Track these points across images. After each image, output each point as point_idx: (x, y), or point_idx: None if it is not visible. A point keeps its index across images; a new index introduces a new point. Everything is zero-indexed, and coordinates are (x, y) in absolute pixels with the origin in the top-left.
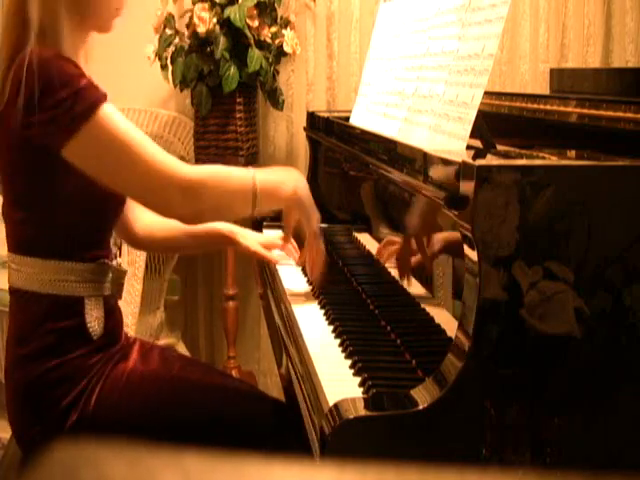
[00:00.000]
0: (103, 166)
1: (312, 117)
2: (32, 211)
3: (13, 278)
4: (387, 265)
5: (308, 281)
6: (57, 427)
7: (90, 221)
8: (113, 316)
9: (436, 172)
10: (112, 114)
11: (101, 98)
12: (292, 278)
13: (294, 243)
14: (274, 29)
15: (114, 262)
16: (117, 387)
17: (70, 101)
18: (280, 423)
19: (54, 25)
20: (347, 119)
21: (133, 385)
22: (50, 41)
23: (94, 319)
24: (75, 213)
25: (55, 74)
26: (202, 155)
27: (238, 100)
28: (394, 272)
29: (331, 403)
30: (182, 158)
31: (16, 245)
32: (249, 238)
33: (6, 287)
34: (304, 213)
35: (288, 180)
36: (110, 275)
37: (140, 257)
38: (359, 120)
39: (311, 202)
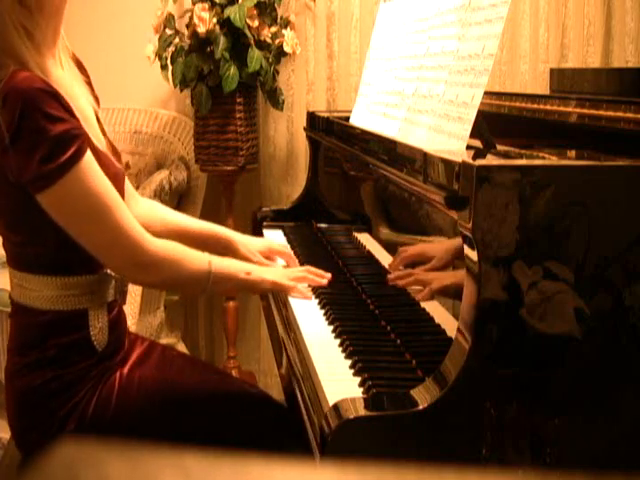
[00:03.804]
0: (71, 219)
1: (312, 117)
2: (30, 235)
3: (15, 292)
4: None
5: None
6: (55, 435)
7: None
8: (117, 323)
9: (436, 172)
10: (89, 169)
11: (81, 150)
12: None
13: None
14: (274, 29)
15: None
16: (113, 395)
17: (47, 152)
18: (280, 422)
19: (10, 41)
20: (347, 119)
21: (130, 392)
22: (18, 61)
23: (98, 331)
24: None
25: (35, 113)
26: (202, 155)
27: (238, 100)
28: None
29: (331, 403)
30: (182, 158)
31: (17, 263)
32: (249, 245)
33: (6, 287)
34: (269, 290)
35: (240, 267)
36: (113, 283)
37: None
38: (359, 120)
39: (273, 280)
